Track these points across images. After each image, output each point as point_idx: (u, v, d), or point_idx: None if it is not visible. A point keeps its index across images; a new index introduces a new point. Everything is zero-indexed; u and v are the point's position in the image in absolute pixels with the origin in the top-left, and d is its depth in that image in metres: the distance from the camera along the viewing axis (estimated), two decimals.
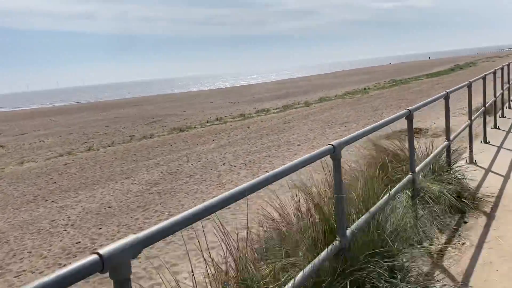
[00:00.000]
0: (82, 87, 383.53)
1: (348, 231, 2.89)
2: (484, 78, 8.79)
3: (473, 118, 7.30)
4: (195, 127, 20.63)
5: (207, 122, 22.87)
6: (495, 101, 10.59)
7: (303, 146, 12.34)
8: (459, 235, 4.32)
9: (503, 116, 11.69)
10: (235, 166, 10.35)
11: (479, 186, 5.77)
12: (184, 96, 55.70)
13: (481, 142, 8.66)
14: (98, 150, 16.54)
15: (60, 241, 6.39)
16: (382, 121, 3.77)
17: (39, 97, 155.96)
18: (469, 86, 7.06)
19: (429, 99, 5.47)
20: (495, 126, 10.19)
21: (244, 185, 2.06)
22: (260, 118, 21.59)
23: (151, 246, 1.58)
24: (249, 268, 2.54)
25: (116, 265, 1.38)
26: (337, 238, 2.78)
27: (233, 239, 2.68)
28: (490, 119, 10.29)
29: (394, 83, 37.85)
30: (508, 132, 9.73)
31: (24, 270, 5.40)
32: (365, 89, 34.82)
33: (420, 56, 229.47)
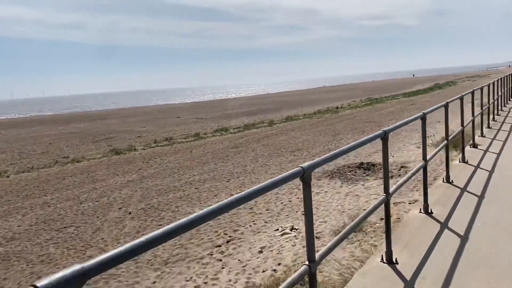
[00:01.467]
0: (67, 97, 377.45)
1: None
2: (446, 106, 6.80)
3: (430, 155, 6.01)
4: (135, 149, 18.26)
5: (154, 142, 20.54)
6: (462, 131, 8.59)
7: (232, 183, 10.11)
8: None
9: (474, 146, 9.79)
10: (129, 213, 8.06)
11: None
12: (154, 110, 53.27)
13: (443, 180, 6.70)
14: (9, 176, 14.07)
15: None
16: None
17: (15, 106, 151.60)
18: (423, 118, 5.38)
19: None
20: (463, 160, 8.22)
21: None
22: (212, 140, 19.35)
23: None
24: None
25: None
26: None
27: None
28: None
29: (369, 102, 36.11)
30: (476, 167, 7.71)
31: None
32: (337, 108, 32.94)
33: (405, 73, 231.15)
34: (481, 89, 10.82)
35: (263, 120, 28.29)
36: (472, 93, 9.06)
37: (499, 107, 16.25)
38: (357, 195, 7.83)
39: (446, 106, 6.28)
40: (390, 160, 10.87)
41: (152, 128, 30.75)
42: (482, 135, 10.25)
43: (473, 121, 9.32)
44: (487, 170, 7.06)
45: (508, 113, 14.31)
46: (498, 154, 8.31)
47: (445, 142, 6.45)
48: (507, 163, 7.58)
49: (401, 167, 9.68)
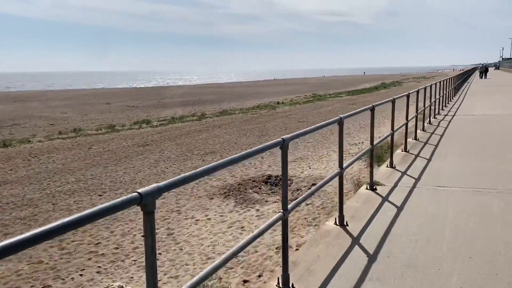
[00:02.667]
0: (9, 74, 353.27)
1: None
2: (372, 110, 6.15)
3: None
4: (29, 141, 15.55)
5: (59, 133, 17.86)
6: (392, 135, 7.37)
7: (104, 198, 7.98)
8: None
9: (405, 150, 8.56)
10: None
11: None
12: (87, 94, 49.38)
13: (366, 188, 6.13)
14: None
15: None
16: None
17: None
18: (340, 123, 4.74)
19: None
20: (391, 165, 7.35)
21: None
22: (125, 134, 16.99)
23: None
24: None
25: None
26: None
27: None
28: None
29: (312, 98, 34.86)
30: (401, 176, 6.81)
31: None
32: (277, 103, 31.34)
33: (357, 70, 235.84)
34: (417, 92, 10.27)
35: (195, 112, 26.12)
36: (408, 96, 8.58)
37: (437, 110, 15.34)
38: (242, 227, 5.99)
39: (372, 109, 5.92)
40: (305, 173, 9.19)
41: (73, 115, 27.69)
42: (415, 138, 9.81)
43: (406, 125, 8.69)
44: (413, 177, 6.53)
45: (446, 114, 13.28)
46: (429, 160, 7.78)
47: (370, 147, 5.98)
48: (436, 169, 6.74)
49: (312, 184, 7.97)
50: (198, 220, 6.48)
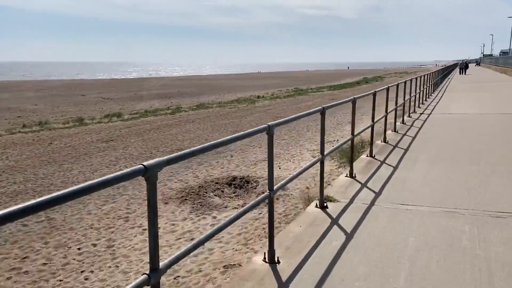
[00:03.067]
0: None
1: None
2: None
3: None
4: None
5: (23, 126, 16.91)
6: (352, 141, 6.73)
7: None
8: None
9: (371, 155, 7.99)
10: None
11: None
12: (62, 85, 47.92)
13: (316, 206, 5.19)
14: None
15: None
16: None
17: None
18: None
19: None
20: (351, 174, 6.53)
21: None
22: (93, 128, 16.14)
23: None
24: None
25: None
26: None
27: None
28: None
29: (293, 93, 34.32)
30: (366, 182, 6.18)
31: None
32: (258, 97, 30.71)
33: (341, 65, 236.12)
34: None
35: (171, 106, 25.31)
36: (374, 94, 7.86)
37: (414, 107, 14.91)
38: (192, 239, 5.37)
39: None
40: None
41: (43, 107, 26.60)
42: (385, 140, 9.10)
43: (372, 127, 8.02)
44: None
45: (422, 113, 12.73)
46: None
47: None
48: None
49: (255, 181, 7.37)
50: (146, 229, 5.82)
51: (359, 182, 5.97)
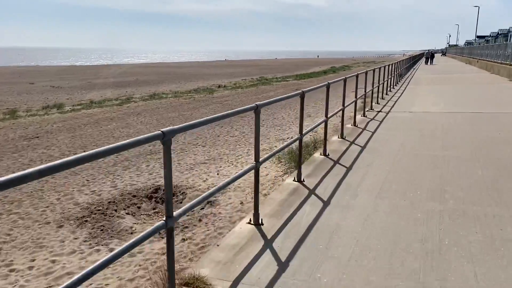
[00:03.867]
0: None
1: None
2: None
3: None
4: None
5: None
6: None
7: None
8: None
9: (299, 179, 6.62)
10: None
11: None
12: (11, 72, 44.73)
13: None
14: None
15: None
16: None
17: None
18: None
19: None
20: (256, 220, 4.71)
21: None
22: (23, 122, 14.29)
23: None
24: None
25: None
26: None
27: None
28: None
29: (257, 82, 32.97)
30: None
31: None
32: (219, 86, 29.20)
33: (311, 53, 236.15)
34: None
35: (122, 95, 23.48)
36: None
37: (371, 104, 13.80)
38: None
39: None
40: (208, 181, 7.26)
41: None
42: (324, 153, 6.91)
43: (300, 141, 6.46)
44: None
45: (380, 110, 11.56)
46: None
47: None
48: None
49: (208, 202, 6.03)
50: (14, 270, 4.38)
51: (264, 237, 3.94)
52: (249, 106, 3.68)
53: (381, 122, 9.87)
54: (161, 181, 7.44)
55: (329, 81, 6.92)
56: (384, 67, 14.99)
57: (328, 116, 6.92)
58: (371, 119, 10.32)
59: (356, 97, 9.19)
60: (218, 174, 7.88)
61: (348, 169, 6.04)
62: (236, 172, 8.12)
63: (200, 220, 5.39)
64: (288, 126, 13.03)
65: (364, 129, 9.13)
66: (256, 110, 3.87)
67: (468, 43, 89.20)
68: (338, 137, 8.17)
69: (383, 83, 14.35)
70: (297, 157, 5.83)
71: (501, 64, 23.38)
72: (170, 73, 44.76)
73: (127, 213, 5.95)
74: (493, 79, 20.92)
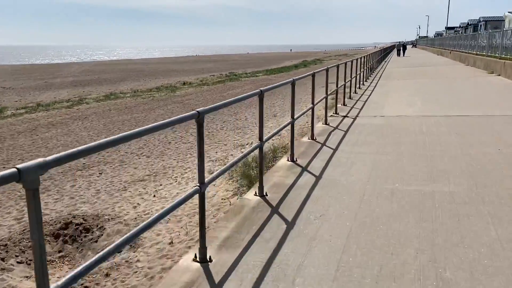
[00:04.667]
0: None
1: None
2: (260, 95, 4.29)
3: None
4: None
5: None
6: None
7: None
8: None
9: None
10: None
11: None
12: None
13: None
14: None
15: None
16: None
17: None
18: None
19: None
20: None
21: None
22: None
23: None
24: None
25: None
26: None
27: None
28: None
29: (226, 78, 31.54)
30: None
31: None
32: (184, 83, 27.64)
33: (285, 47, 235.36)
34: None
35: (77, 96, 21.67)
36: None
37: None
38: None
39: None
40: (139, 208, 5.87)
41: None
42: (261, 193, 4.63)
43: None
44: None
45: (345, 115, 10.01)
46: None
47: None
48: None
49: (100, 226, 4.64)
50: None
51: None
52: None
53: (346, 132, 7.69)
54: (82, 208, 6.02)
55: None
56: (353, 61, 13.84)
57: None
58: (334, 128, 8.14)
59: (313, 103, 7.58)
60: (155, 196, 6.51)
61: (287, 229, 3.64)
62: (177, 195, 6.81)
63: (107, 275, 4.02)
64: (250, 129, 11.74)
65: (323, 144, 6.80)
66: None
67: (438, 34, 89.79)
68: (288, 160, 5.86)
69: (351, 80, 13.13)
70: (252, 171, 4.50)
71: (476, 55, 22.41)
72: (136, 70, 42.74)
73: (19, 262, 4.53)
74: (471, 72, 19.51)
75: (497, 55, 17.87)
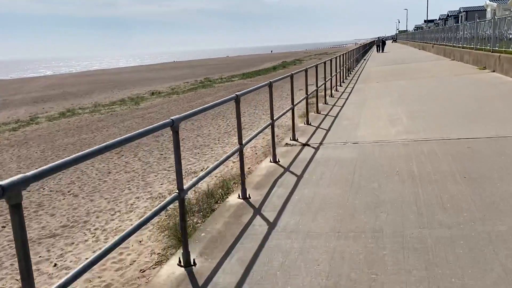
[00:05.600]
0: None
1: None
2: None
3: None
4: None
5: None
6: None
7: None
8: None
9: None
10: None
11: None
12: None
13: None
14: None
15: None
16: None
17: None
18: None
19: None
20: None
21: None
22: None
23: None
24: None
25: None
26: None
27: None
28: None
29: (200, 84, 29.81)
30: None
31: None
32: (153, 93, 25.80)
33: (265, 49, 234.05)
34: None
35: (34, 114, 19.68)
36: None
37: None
38: None
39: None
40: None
41: None
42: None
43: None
44: None
45: (305, 143, 7.74)
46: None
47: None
48: None
49: None
50: None
51: None
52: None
53: (299, 179, 5.17)
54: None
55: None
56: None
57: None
58: (285, 170, 5.60)
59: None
60: (55, 265, 4.74)
61: None
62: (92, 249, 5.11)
63: None
64: (211, 147, 10.04)
65: (258, 211, 4.32)
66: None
67: (418, 27, 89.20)
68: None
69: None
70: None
71: (463, 48, 20.44)
72: (106, 81, 40.67)
73: None
74: (459, 68, 17.24)
75: (488, 47, 15.89)
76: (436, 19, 70.04)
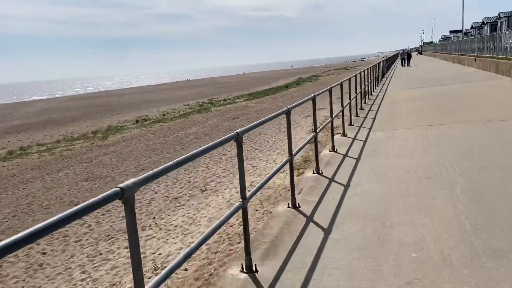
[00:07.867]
0: None
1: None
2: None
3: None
4: None
5: None
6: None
7: None
8: None
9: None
10: None
11: None
12: None
13: None
14: None
15: None
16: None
17: None
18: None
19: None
20: None
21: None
22: None
23: None
24: None
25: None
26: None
27: None
28: None
29: (199, 108, 26.08)
30: None
31: None
32: (137, 121, 22.13)
33: (286, 64, 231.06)
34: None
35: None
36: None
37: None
38: None
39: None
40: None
41: None
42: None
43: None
44: None
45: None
46: None
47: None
48: None
49: None
50: None
51: None
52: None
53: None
54: None
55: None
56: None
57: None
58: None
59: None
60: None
61: None
62: None
63: None
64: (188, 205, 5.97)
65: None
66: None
67: (445, 38, 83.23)
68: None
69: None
70: None
71: None
72: (102, 105, 37.43)
73: None
74: None
75: None
76: (466, 29, 64.34)
